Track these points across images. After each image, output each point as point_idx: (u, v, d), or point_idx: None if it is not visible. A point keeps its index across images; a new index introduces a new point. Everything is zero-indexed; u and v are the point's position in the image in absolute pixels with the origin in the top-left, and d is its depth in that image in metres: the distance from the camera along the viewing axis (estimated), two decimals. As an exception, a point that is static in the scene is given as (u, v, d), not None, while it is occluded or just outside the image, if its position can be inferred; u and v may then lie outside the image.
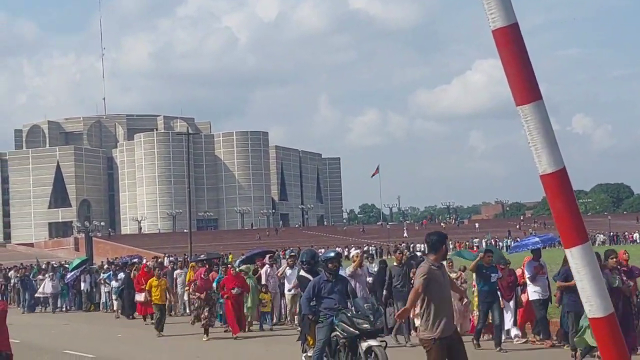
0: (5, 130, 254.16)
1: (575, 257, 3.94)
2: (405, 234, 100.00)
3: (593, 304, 3.94)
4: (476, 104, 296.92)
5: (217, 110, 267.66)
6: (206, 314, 19.05)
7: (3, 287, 36.50)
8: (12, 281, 37.11)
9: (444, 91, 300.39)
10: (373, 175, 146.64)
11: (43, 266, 41.17)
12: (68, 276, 32.46)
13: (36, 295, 32.89)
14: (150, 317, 23.92)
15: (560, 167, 3.94)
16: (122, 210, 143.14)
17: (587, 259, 3.93)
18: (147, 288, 22.01)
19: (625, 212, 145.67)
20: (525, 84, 3.93)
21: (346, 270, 15.94)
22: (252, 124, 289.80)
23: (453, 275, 17.22)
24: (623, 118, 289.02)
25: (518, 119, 4.05)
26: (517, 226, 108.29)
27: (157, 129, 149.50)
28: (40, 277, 34.11)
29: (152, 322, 23.46)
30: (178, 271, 27.79)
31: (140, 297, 24.44)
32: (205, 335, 18.83)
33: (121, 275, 29.63)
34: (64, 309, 32.21)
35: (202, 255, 29.64)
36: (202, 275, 19.90)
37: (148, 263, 29.72)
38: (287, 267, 20.43)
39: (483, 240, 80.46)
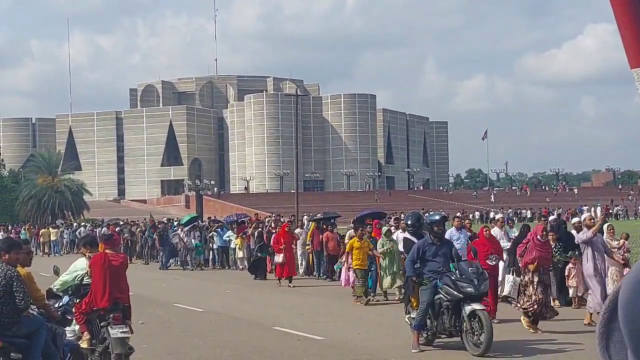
0: (121, 89, 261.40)
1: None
2: (492, 199, 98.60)
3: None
4: (587, 69, 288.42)
5: (325, 73, 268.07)
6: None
7: (129, 242, 36.90)
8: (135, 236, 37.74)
9: (554, 56, 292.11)
10: (483, 138, 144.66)
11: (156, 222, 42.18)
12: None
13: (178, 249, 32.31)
14: (289, 280, 22.96)
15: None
16: (231, 170, 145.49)
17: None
18: (347, 250, 19.57)
19: None
20: None
21: (580, 236, 14.43)
22: (360, 86, 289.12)
23: (614, 243, 16.02)
24: None
25: (631, 85, 3.95)
26: (629, 195, 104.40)
27: (266, 91, 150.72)
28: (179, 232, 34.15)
29: (290, 285, 22.73)
30: (298, 230, 26.93)
31: (279, 258, 23.26)
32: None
33: (229, 233, 30.19)
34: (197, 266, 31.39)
35: (319, 214, 29.21)
36: None
37: (289, 222, 28.70)
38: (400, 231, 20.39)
39: (592, 208, 78.08)
